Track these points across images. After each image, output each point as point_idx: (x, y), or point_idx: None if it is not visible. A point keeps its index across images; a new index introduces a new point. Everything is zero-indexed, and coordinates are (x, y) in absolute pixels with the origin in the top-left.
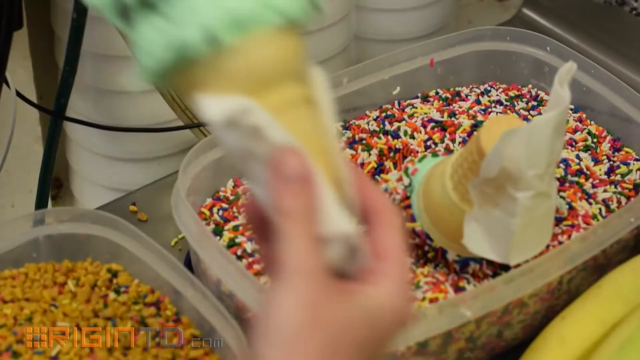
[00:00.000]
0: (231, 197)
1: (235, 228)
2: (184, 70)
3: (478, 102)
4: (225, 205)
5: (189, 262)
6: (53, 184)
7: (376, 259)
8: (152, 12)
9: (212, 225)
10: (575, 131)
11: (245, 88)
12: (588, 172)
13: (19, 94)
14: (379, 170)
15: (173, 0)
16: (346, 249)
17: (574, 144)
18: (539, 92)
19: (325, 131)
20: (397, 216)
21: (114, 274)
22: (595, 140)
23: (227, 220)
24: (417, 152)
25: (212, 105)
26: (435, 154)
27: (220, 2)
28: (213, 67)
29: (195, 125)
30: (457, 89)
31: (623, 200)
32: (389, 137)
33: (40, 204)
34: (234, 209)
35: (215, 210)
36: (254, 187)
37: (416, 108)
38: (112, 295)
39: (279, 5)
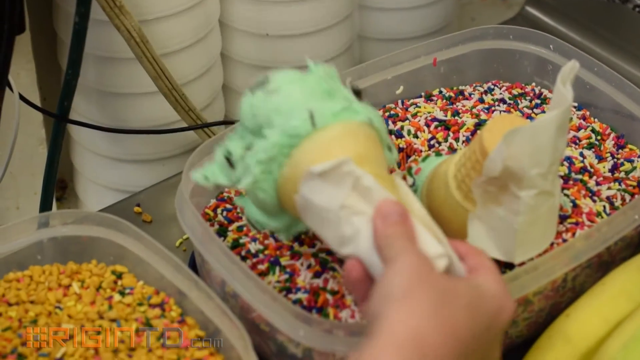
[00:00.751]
0: (235, 198)
1: (240, 229)
2: (290, 156)
3: (481, 100)
4: (229, 206)
5: (194, 263)
6: (58, 186)
7: (469, 273)
8: (253, 145)
9: (217, 226)
10: (578, 129)
11: None
12: (592, 170)
13: (22, 97)
14: None
15: (270, 125)
16: (441, 267)
17: (577, 141)
18: (543, 90)
19: (411, 197)
20: (483, 253)
21: (119, 276)
22: (599, 137)
23: (231, 221)
24: (421, 151)
25: (317, 166)
26: (438, 153)
27: (317, 103)
28: (312, 148)
29: (199, 126)
30: (460, 87)
31: (627, 197)
32: (393, 136)
33: (45, 206)
34: (238, 210)
35: (219, 211)
36: (351, 247)
37: (419, 107)
38: (116, 296)
39: (361, 109)
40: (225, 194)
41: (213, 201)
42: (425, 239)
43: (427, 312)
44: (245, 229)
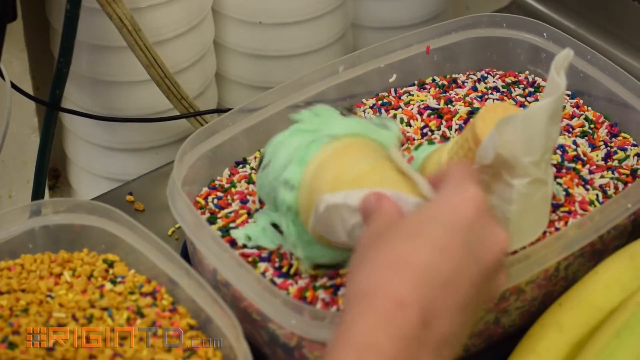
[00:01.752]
0: (226, 186)
1: (227, 215)
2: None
3: (475, 89)
4: (220, 194)
5: (186, 252)
6: (50, 175)
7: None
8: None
9: (207, 214)
10: (572, 117)
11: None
12: (585, 158)
13: (14, 86)
14: None
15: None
16: None
17: (570, 130)
18: (536, 78)
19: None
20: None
21: (110, 265)
22: (592, 126)
23: (221, 208)
24: (414, 139)
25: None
26: (431, 142)
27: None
28: (303, 195)
29: (192, 114)
30: (453, 76)
31: (620, 186)
32: None
33: (37, 194)
34: (228, 197)
35: (210, 199)
36: None
37: (412, 95)
38: (108, 285)
39: (326, 129)
40: (216, 182)
41: (205, 189)
42: (399, 199)
43: (374, 264)
44: (232, 215)
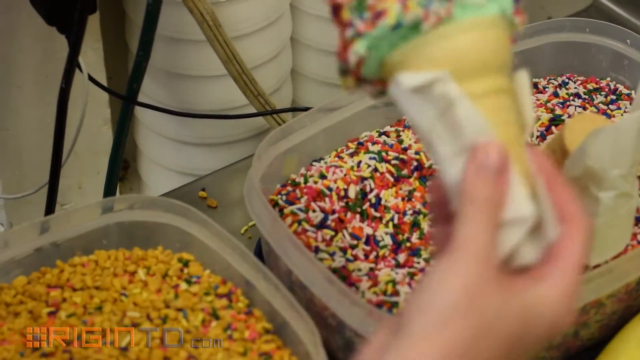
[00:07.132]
0: (297, 180)
1: (294, 212)
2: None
3: (556, 94)
4: (290, 189)
5: (260, 251)
6: None
7: (550, 259)
8: None
9: (277, 211)
10: None
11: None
12: None
13: (91, 78)
14: None
15: None
16: (526, 232)
17: None
18: (618, 85)
19: (520, 124)
20: (585, 223)
21: (185, 264)
22: None
23: (291, 203)
24: None
25: (408, 77)
26: None
27: None
28: (422, 49)
29: (269, 112)
30: (534, 80)
31: None
32: None
33: (110, 187)
34: (297, 191)
35: (282, 193)
36: (438, 164)
37: None
38: (183, 285)
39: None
40: (289, 180)
41: (277, 187)
42: (515, 195)
43: (460, 350)
44: (304, 211)
